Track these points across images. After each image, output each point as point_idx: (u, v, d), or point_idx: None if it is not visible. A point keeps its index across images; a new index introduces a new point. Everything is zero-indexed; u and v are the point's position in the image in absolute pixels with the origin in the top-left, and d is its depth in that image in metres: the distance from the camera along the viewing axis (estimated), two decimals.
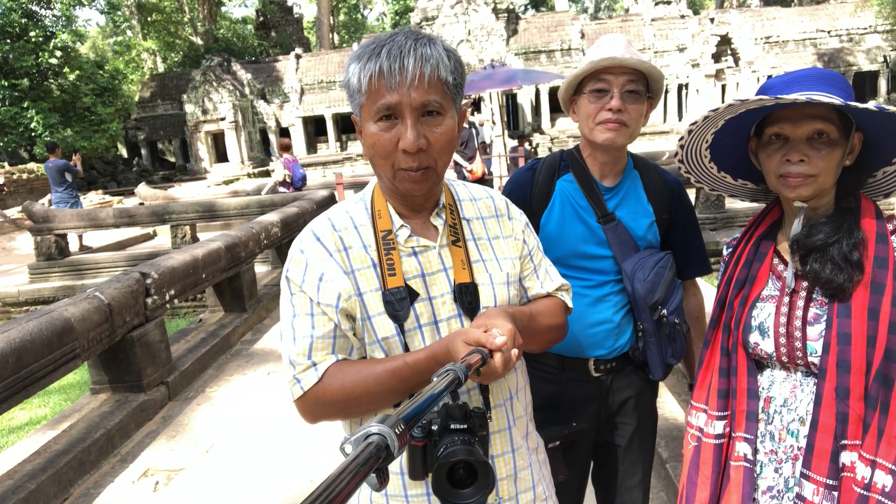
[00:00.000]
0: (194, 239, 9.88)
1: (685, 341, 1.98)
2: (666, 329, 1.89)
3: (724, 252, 1.72)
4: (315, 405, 1.28)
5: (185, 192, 14.49)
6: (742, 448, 1.49)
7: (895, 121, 1.32)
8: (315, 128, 30.75)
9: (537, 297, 1.45)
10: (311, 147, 30.42)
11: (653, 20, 31.77)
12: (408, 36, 1.22)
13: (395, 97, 1.19)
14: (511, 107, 28.88)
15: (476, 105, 26.41)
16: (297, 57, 31.54)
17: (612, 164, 1.93)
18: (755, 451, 1.49)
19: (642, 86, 1.83)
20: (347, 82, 1.27)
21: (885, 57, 27.25)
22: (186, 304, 8.47)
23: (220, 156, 28.81)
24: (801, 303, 1.43)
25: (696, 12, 34.81)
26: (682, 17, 32.05)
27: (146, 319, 4.74)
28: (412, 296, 1.28)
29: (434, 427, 1.02)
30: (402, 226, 1.32)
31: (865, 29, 28.46)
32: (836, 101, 1.30)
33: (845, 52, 28.18)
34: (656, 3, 33.21)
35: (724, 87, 28.91)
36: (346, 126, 30.36)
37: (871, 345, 1.31)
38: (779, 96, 1.33)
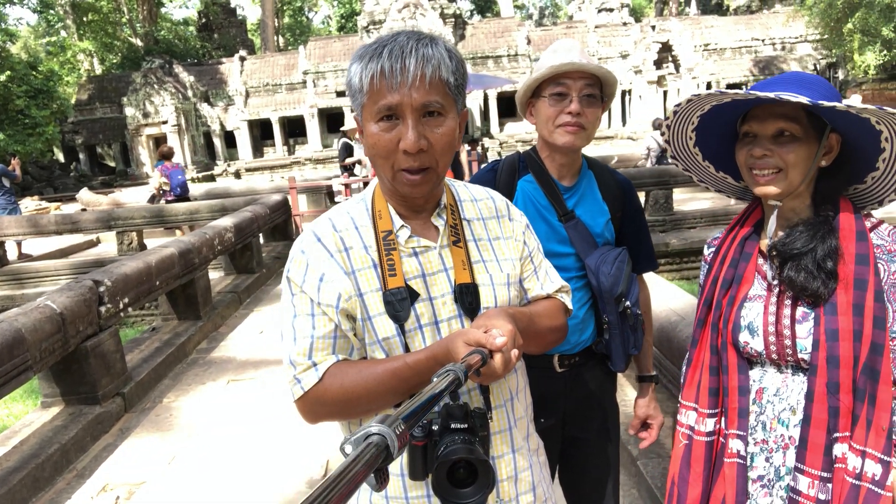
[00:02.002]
0: (141, 245, 9.59)
1: (643, 332, 2.05)
2: (630, 320, 1.96)
3: (706, 252, 1.75)
4: (315, 405, 1.27)
5: (127, 198, 14.04)
6: (735, 445, 1.52)
7: (863, 120, 1.36)
8: (261, 131, 30.22)
9: (537, 298, 1.45)
10: (258, 151, 29.89)
11: (596, 27, 32.46)
12: (410, 36, 1.22)
13: (396, 97, 1.19)
14: None
15: None
16: (242, 59, 30.96)
17: (570, 165, 2.00)
18: (747, 447, 1.52)
19: (598, 90, 1.90)
20: (349, 82, 1.27)
21: (815, 64, 28.51)
22: (134, 313, 8.20)
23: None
24: (788, 301, 1.46)
25: (637, 20, 35.65)
26: (625, 24, 32.84)
27: (100, 329, 4.57)
28: (413, 296, 1.28)
29: (434, 427, 1.02)
30: (403, 226, 1.32)
31: (797, 38, 29.72)
32: (804, 99, 1.33)
33: (779, 60, 29.36)
34: (599, 11, 33.92)
35: (665, 93, 29.74)
36: (293, 129, 29.95)
37: (858, 339, 1.35)
38: (750, 92, 1.38)
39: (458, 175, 10.37)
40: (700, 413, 1.60)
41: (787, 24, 28.88)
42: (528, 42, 31.75)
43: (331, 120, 29.76)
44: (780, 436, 1.47)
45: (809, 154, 1.43)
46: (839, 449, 1.36)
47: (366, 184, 10.83)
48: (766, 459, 1.49)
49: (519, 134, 30.39)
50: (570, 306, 1.51)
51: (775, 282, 1.50)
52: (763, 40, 30.31)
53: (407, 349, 1.27)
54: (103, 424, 4.37)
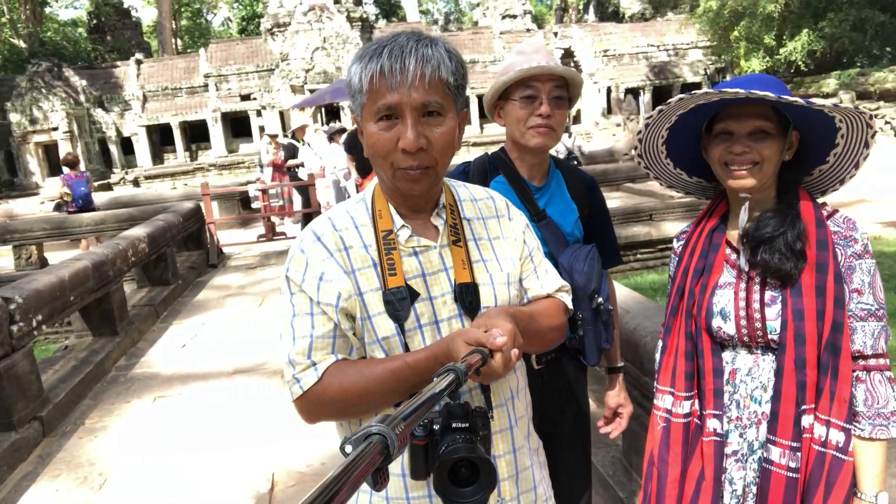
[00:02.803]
0: (42, 260, 8.97)
1: (613, 326, 2.11)
2: (603, 316, 2.01)
3: (675, 245, 1.84)
4: (314, 405, 1.27)
5: (21, 209, 13.10)
6: (712, 423, 1.61)
7: (821, 115, 1.49)
8: (161, 137, 28.89)
9: (537, 297, 1.46)
10: (158, 157, 28.57)
11: (501, 33, 33.11)
12: (409, 36, 1.23)
13: (395, 97, 1.19)
14: None
15: (335, 114, 26.17)
16: (138, 62, 29.53)
17: (540, 166, 2.04)
18: (723, 425, 1.61)
19: (565, 91, 1.96)
20: (349, 82, 1.26)
21: (705, 69, 30.24)
22: (45, 331, 7.65)
23: (54, 169, 26.19)
24: (756, 287, 1.57)
25: (539, 26, 36.68)
26: (528, 30, 33.68)
27: (13, 349, 4.24)
28: (413, 295, 1.28)
29: (436, 426, 1.03)
30: (403, 226, 1.32)
31: (689, 45, 31.45)
32: (771, 95, 1.44)
33: (672, 65, 30.96)
34: (503, 17, 34.62)
35: None
36: (195, 135, 28.85)
37: (821, 318, 1.46)
38: (722, 90, 1.47)
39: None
40: (677, 396, 1.68)
41: (680, 32, 30.56)
42: None
43: (235, 124, 28.91)
44: (753, 412, 1.57)
45: (779, 149, 1.55)
46: (806, 420, 1.47)
47: (304, 189, 10.43)
48: (740, 435, 1.59)
49: (466, 136, 30.75)
50: (570, 306, 1.52)
51: (746, 268, 1.60)
52: (658, 46, 31.86)
53: (407, 348, 1.26)
54: (20, 452, 4.06)
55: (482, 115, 32.60)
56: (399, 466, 1.28)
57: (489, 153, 2.09)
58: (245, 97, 28.47)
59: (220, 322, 6.70)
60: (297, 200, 11.97)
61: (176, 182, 24.73)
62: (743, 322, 1.57)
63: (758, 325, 1.54)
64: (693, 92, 1.53)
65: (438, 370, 0.95)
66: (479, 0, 36.81)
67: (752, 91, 1.44)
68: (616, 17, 40.06)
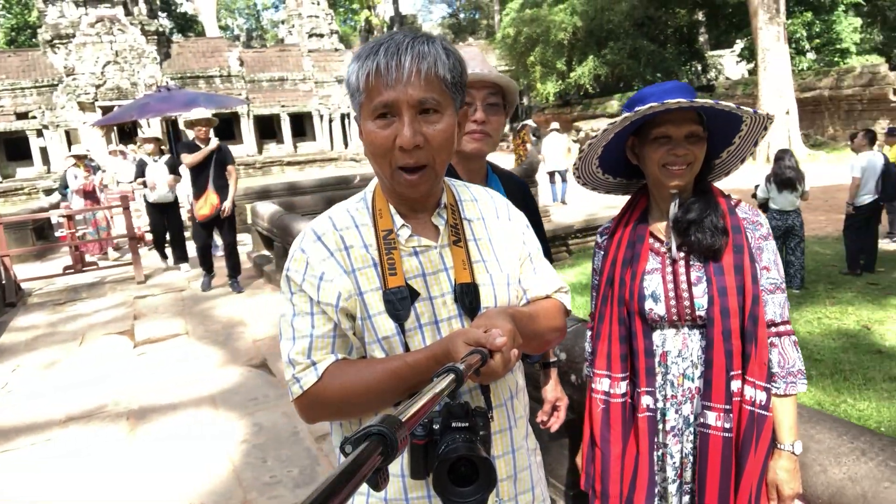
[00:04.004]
0: None
1: None
2: None
3: (600, 240, 1.99)
4: (314, 404, 1.29)
5: None
6: (646, 400, 1.75)
7: (725, 119, 1.70)
8: None
9: (536, 298, 1.46)
10: None
11: (310, 51, 32.84)
12: (406, 34, 1.22)
13: (392, 94, 1.19)
14: (173, 133, 27.00)
15: (131, 132, 24.15)
16: None
17: (479, 171, 2.08)
18: (656, 401, 1.76)
19: (501, 98, 2.00)
20: (347, 81, 1.26)
21: None
22: None
23: None
24: (682, 270, 1.74)
25: (347, 46, 36.93)
26: (336, 50, 33.78)
27: None
28: (413, 295, 1.28)
29: (436, 426, 1.04)
30: (404, 225, 1.31)
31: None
32: (705, 101, 1.63)
33: None
34: (310, 36, 34.39)
35: None
36: None
37: (741, 293, 1.66)
38: (665, 101, 1.60)
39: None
40: (613, 378, 1.81)
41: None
42: (241, 63, 30.91)
43: (10, 145, 25.68)
44: (688, 388, 1.73)
45: (705, 149, 1.73)
46: (735, 384, 1.65)
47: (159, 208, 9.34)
48: (676, 411, 1.74)
49: (279, 155, 29.73)
50: (569, 306, 1.53)
51: (674, 254, 1.75)
52: None
53: (407, 348, 1.27)
54: None
55: (295, 134, 32.05)
56: (398, 466, 1.29)
57: None
58: (22, 115, 25.36)
59: (35, 367, 5.82)
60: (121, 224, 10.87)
61: None
62: (672, 302, 1.72)
63: (686, 303, 1.70)
64: (636, 109, 1.65)
65: (438, 370, 0.94)
66: (285, 18, 36.25)
67: (694, 101, 1.61)
68: None
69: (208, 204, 7.41)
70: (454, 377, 0.92)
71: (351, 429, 1.36)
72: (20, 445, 4.29)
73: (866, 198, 8.05)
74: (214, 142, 7.39)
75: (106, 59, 25.65)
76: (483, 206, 1.45)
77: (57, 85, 25.69)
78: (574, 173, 1.92)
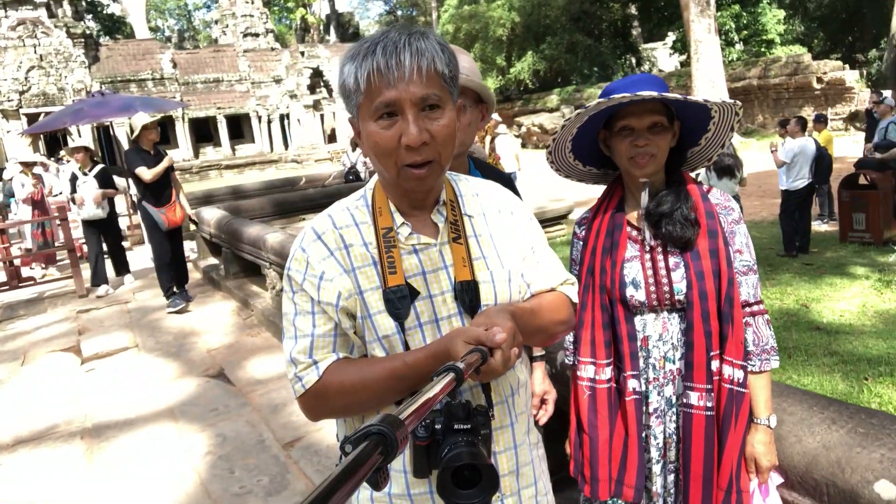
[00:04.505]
0: None
1: None
2: None
3: (578, 230, 2.02)
4: (316, 403, 1.31)
5: None
6: (632, 384, 1.80)
7: (696, 108, 1.75)
8: None
9: (540, 291, 1.45)
10: None
11: (245, 51, 32.18)
12: (401, 31, 1.21)
13: (394, 93, 1.18)
14: (106, 141, 26.08)
15: (63, 140, 23.20)
16: None
17: (460, 167, 2.06)
18: (641, 385, 1.81)
19: (470, 99, 1.98)
20: (342, 83, 1.25)
21: None
22: None
23: None
24: (660, 257, 1.79)
25: (283, 45, 36.33)
26: (273, 49, 33.20)
27: None
28: (413, 294, 1.28)
29: (438, 426, 1.04)
30: (403, 223, 1.32)
31: None
32: (654, 93, 1.67)
33: None
34: (244, 35, 33.69)
35: (322, 116, 30.88)
36: None
37: (717, 277, 1.73)
38: (624, 94, 1.66)
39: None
40: (598, 364, 1.85)
41: None
42: (174, 65, 30.08)
43: None
44: (669, 371, 1.79)
45: (669, 139, 1.78)
46: (715, 364, 1.72)
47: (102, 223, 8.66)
48: (659, 394, 1.80)
49: (217, 159, 28.88)
50: (575, 299, 1.52)
51: (649, 242, 1.81)
52: None
53: (407, 347, 1.28)
54: None
55: (233, 136, 31.37)
56: (400, 462, 1.30)
57: None
58: None
59: None
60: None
61: None
62: (652, 288, 1.78)
63: (665, 288, 1.76)
64: (598, 101, 1.71)
65: (438, 369, 0.95)
66: (218, 17, 35.39)
67: (664, 94, 1.66)
68: (356, 38, 41.22)
69: (178, 211, 7.16)
70: (454, 376, 0.93)
71: (354, 425, 1.36)
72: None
73: (800, 182, 8.43)
74: (168, 159, 7.08)
75: (30, 63, 24.55)
76: (485, 200, 1.44)
77: None
78: (547, 158, 1.95)
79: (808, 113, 18.08)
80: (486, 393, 1.32)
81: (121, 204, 13.34)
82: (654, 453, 1.81)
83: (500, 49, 28.65)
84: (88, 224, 8.46)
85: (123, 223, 13.34)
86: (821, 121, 10.53)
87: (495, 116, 16.46)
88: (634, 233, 1.85)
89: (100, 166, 8.43)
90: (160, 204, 7.05)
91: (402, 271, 1.28)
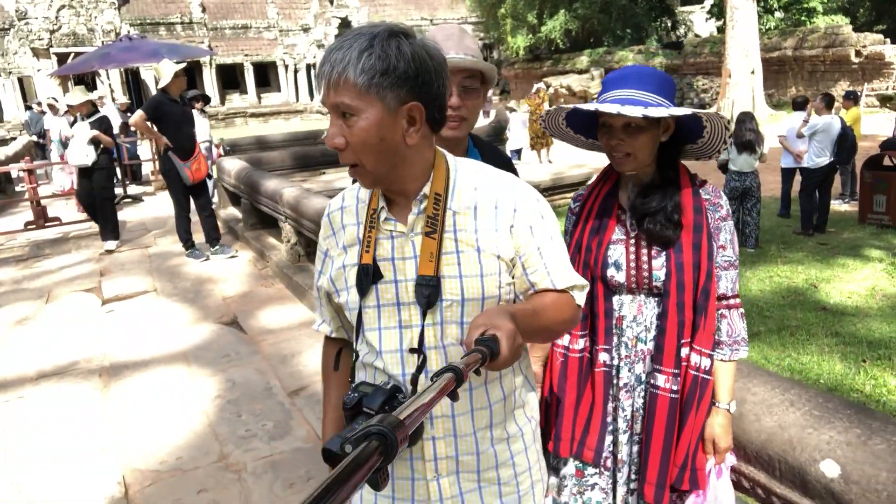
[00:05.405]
0: None
1: None
2: None
3: (573, 206, 2.07)
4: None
5: None
6: (603, 357, 1.91)
7: (687, 118, 1.78)
8: None
9: (544, 291, 1.43)
10: None
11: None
12: (345, 36, 1.26)
13: (323, 96, 1.29)
14: (134, 85, 26.25)
15: (92, 82, 23.38)
16: None
17: (458, 150, 2.08)
18: (612, 359, 1.91)
19: (477, 81, 2.00)
20: None
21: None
22: None
23: None
24: (644, 243, 1.86)
25: None
26: None
27: None
28: (377, 276, 1.36)
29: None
30: (383, 208, 1.37)
31: (459, 19, 32.93)
32: (637, 112, 1.68)
33: None
34: None
35: None
36: None
37: (697, 270, 1.79)
38: (597, 106, 1.71)
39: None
40: (573, 335, 1.94)
41: (452, 7, 31.90)
42: (203, 10, 29.95)
43: None
44: (640, 350, 1.88)
45: (653, 137, 1.79)
46: (684, 351, 1.81)
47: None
48: (629, 370, 1.90)
49: (243, 107, 28.95)
50: (580, 302, 1.48)
51: (634, 230, 1.87)
52: (431, 20, 32.93)
53: (361, 322, 1.40)
54: None
55: (259, 85, 31.36)
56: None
57: None
58: None
59: (3, 324, 5.82)
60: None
61: None
62: (633, 272, 1.85)
63: (645, 274, 1.84)
64: (574, 106, 1.80)
65: (438, 370, 0.97)
66: None
67: (625, 106, 1.69)
68: None
69: (203, 166, 7.19)
70: (454, 376, 0.94)
71: (366, 371, 1.45)
72: None
73: (822, 160, 8.33)
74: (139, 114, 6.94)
75: (60, 2, 24.60)
76: (483, 194, 1.39)
77: (8, 29, 24.61)
78: (540, 123, 2.02)
79: (843, 88, 17.61)
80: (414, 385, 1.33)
81: (145, 151, 13.40)
82: (622, 424, 1.91)
83: (531, 6, 28.03)
84: (80, 172, 8.23)
85: (147, 168, 13.52)
86: (850, 98, 10.31)
87: (542, 85, 16.48)
88: (623, 216, 1.91)
89: (100, 114, 8.23)
90: (186, 157, 7.05)
91: (374, 253, 1.36)
